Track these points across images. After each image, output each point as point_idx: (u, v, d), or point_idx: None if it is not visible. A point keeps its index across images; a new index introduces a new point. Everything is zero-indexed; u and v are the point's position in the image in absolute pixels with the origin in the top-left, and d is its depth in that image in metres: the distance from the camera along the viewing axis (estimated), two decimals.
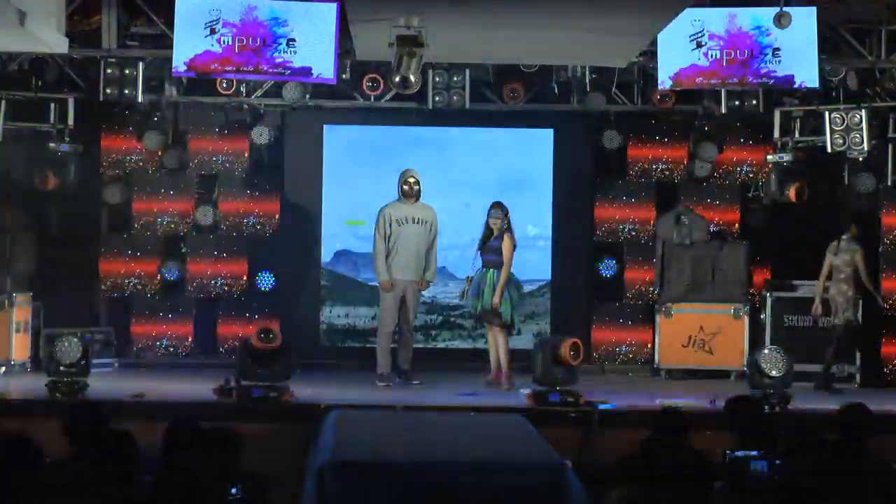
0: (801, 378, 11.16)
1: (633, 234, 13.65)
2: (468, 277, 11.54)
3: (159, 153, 13.42)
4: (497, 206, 11.41)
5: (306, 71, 11.31)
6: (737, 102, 12.62)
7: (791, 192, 13.04)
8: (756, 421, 6.98)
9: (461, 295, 11.73)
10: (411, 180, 11.69)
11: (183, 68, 11.33)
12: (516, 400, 10.47)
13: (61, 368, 10.14)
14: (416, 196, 11.68)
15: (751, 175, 13.66)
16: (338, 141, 13.72)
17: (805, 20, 11.34)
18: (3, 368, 11.96)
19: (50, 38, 10.68)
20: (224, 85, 12.74)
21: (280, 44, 11.23)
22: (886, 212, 12.96)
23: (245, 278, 13.51)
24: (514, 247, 11.31)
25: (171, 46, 11.37)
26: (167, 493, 4.94)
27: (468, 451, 7.63)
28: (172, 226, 13.54)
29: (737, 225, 13.64)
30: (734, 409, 7.19)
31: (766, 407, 9.62)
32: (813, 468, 5.88)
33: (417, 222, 11.64)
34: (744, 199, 13.78)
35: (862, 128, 12.16)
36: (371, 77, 12.93)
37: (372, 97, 13.14)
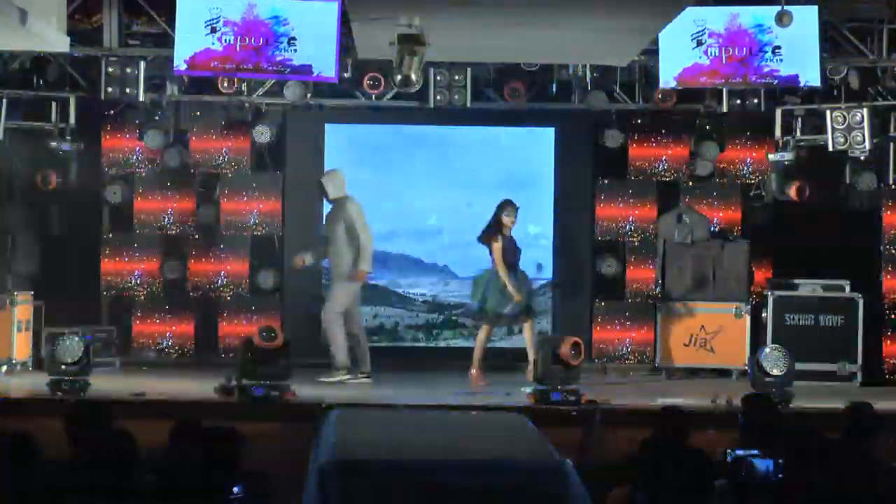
0: (803, 377, 11.16)
1: (635, 233, 13.65)
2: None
3: (160, 152, 13.41)
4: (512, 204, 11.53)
5: (306, 69, 11.32)
6: (738, 101, 12.62)
7: (792, 191, 13.03)
8: (772, 420, 6.98)
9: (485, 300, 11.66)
10: None
11: (184, 67, 11.33)
12: (517, 399, 10.47)
13: (62, 367, 10.15)
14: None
15: (752, 174, 13.66)
16: (339, 140, 13.72)
17: (806, 19, 11.35)
18: (5, 367, 11.96)
19: (51, 37, 10.67)
20: (225, 84, 12.71)
21: (281, 42, 11.23)
22: (887, 211, 12.95)
23: (246, 277, 13.51)
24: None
25: (172, 45, 11.38)
26: (168, 492, 4.94)
27: (469, 451, 7.62)
28: (174, 225, 13.54)
29: (738, 224, 13.64)
30: (751, 407, 7.18)
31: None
32: (815, 467, 5.87)
33: None
34: (745, 197, 13.77)
35: (863, 126, 12.16)
36: (372, 76, 12.88)
37: (373, 96, 13.11)
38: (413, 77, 9.93)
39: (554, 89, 13.33)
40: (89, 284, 13.43)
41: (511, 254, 11.59)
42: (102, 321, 13.32)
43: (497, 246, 11.49)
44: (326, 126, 13.67)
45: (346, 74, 12.51)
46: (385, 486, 6.76)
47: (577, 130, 13.68)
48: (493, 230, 11.61)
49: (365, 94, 13.08)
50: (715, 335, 12.73)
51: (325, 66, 11.28)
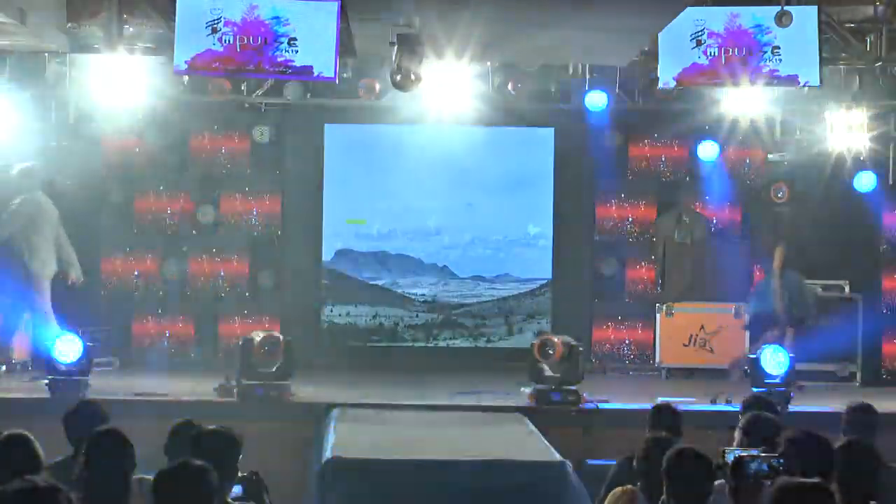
0: (803, 377, 11.16)
1: (634, 233, 13.65)
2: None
3: (160, 152, 13.41)
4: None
5: (307, 70, 11.31)
6: (738, 101, 12.60)
7: (772, 193, 12.99)
8: (772, 420, 6.98)
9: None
10: None
11: (184, 67, 11.33)
12: (517, 399, 10.47)
13: (62, 367, 10.14)
14: None
15: (752, 174, 13.66)
16: (339, 140, 13.72)
17: (806, 19, 11.35)
18: (4, 367, 11.96)
19: (51, 37, 10.67)
20: (222, 86, 12.71)
21: (281, 43, 11.22)
22: (887, 211, 12.95)
23: (246, 277, 13.52)
24: None
25: (172, 45, 11.37)
26: (168, 492, 4.93)
27: (469, 450, 7.64)
28: (173, 225, 13.54)
29: (738, 224, 13.63)
30: (751, 408, 7.18)
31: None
32: (814, 468, 5.87)
33: None
34: (745, 197, 13.77)
35: (863, 126, 12.16)
36: (368, 84, 12.90)
37: (372, 96, 13.09)
38: (413, 77, 9.94)
39: (554, 89, 13.32)
40: (89, 284, 13.42)
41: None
42: (102, 321, 13.31)
43: (780, 251, 11.54)
44: (326, 126, 13.67)
45: (345, 74, 12.50)
46: (385, 486, 6.77)
47: (577, 130, 13.69)
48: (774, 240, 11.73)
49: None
50: (714, 335, 12.73)
51: (325, 66, 11.24)
